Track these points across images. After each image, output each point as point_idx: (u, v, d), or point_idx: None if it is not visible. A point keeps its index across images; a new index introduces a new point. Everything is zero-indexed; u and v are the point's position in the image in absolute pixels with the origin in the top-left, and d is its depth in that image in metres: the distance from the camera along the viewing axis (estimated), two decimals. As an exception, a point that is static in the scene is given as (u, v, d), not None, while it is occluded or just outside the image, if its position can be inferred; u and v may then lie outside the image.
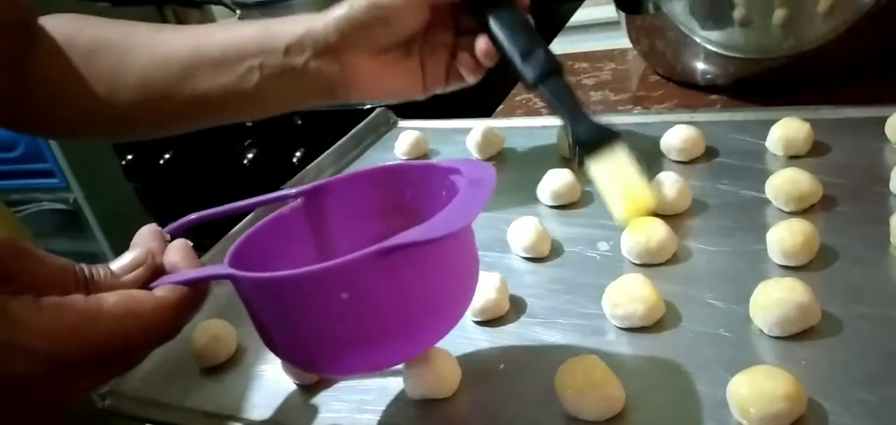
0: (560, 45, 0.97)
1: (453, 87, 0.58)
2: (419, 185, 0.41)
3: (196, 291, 0.34)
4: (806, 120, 0.54)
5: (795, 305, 0.37)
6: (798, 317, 0.37)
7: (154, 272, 0.34)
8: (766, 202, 0.49)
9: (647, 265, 0.45)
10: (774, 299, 0.37)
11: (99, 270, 0.32)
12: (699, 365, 0.37)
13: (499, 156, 0.66)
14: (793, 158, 0.53)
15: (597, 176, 0.44)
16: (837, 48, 0.62)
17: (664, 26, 0.70)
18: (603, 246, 0.49)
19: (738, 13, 0.63)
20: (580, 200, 0.55)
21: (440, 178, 0.39)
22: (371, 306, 0.33)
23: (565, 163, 0.60)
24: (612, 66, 0.85)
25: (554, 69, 0.50)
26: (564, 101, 0.48)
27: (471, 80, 0.56)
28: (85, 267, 0.32)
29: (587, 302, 0.44)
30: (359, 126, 0.76)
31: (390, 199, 0.42)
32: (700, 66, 0.70)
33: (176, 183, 1.29)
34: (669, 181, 0.50)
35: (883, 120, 0.52)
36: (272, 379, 0.44)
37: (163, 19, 1.67)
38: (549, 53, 0.50)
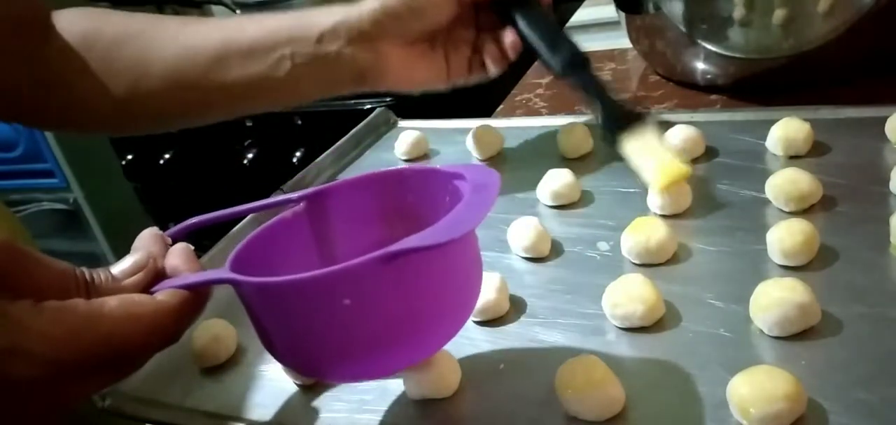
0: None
1: (475, 79, 0.61)
2: (422, 190, 0.41)
3: (197, 296, 0.33)
4: (806, 120, 0.54)
5: (795, 305, 0.37)
6: (798, 317, 0.37)
7: (155, 276, 0.34)
8: (766, 202, 0.49)
9: (647, 265, 0.45)
10: (774, 299, 0.37)
11: (100, 274, 0.32)
12: (699, 365, 0.37)
13: (499, 156, 0.66)
14: (793, 158, 0.53)
15: (630, 153, 0.47)
16: (837, 48, 0.62)
17: (664, 26, 0.70)
18: (603, 246, 0.49)
19: (738, 13, 0.63)
20: (580, 200, 0.55)
21: (444, 183, 0.39)
22: (374, 312, 0.32)
23: (566, 162, 0.60)
24: (612, 66, 0.85)
25: (580, 59, 0.55)
26: (592, 86, 0.52)
27: (494, 71, 0.60)
28: (86, 270, 0.31)
29: (587, 302, 0.44)
30: (358, 126, 0.76)
31: (393, 204, 0.42)
32: (700, 66, 0.70)
33: (176, 183, 1.30)
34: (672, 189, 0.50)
35: (883, 120, 0.52)
36: (272, 379, 0.44)
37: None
38: (574, 44, 0.55)
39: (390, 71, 0.58)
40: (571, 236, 0.51)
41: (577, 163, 0.60)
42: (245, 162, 1.17)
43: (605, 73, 0.84)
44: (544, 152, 0.64)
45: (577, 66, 0.55)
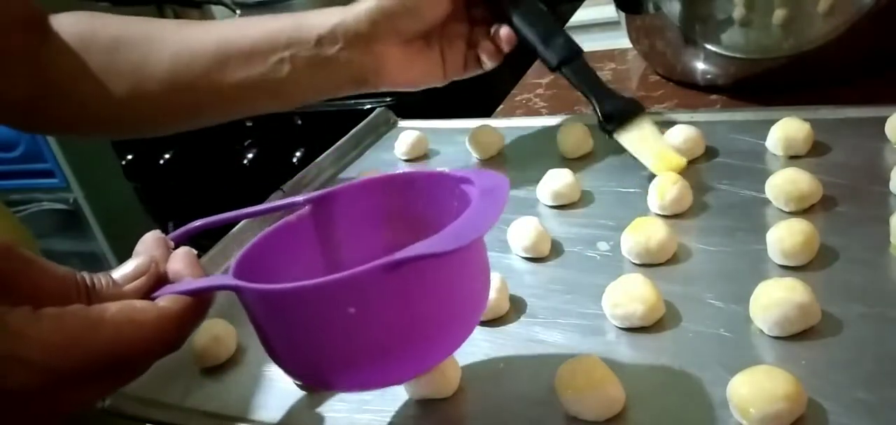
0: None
1: (471, 73, 0.62)
2: (430, 194, 0.40)
3: (200, 301, 0.33)
4: (806, 120, 0.54)
5: (795, 305, 0.37)
6: (798, 317, 0.37)
7: (157, 281, 0.33)
8: (766, 202, 0.49)
9: (647, 265, 0.45)
10: (774, 299, 0.37)
11: (100, 279, 0.31)
12: (699, 365, 0.37)
13: (498, 156, 0.66)
14: (793, 158, 0.53)
15: (627, 144, 0.48)
16: (837, 48, 0.62)
17: (664, 26, 0.70)
18: (603, 246, 0.49)
19: (738, 13, 0.63)
20: (580, 200, 0.55)
21: (451, 188, 0.38)
22: (379, 320, 0.31)
23: (566, 162, 0.60)
24: (612, 66, 0.85)
25: (575, 52, 0.56)
26: (587, 79, 0.53)
27: (489, 65, 0.61)
28: (86, 275, 0.31)
29: (587, 302, 0.44)
30: (358, 126, 0.76)
31: (400, 208, 0.41)
32: (700, 66, 0.70)
33: (176, 183, 1.30)
34: (669, 181, 0.50)
35: (883, 120, 0.52)
36: (273, 380, 0.44)
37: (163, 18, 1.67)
38: (568, 38, 0.57)
39: (388, 71, 0.59)
40: (571, 236, 0.51)
41: (577, 163, 0.60)
42: (245, 162, 1.17)
43: (605, 73, 0.83)
44: (544, 152, 0.64)
45: (572, 60, 0.56)
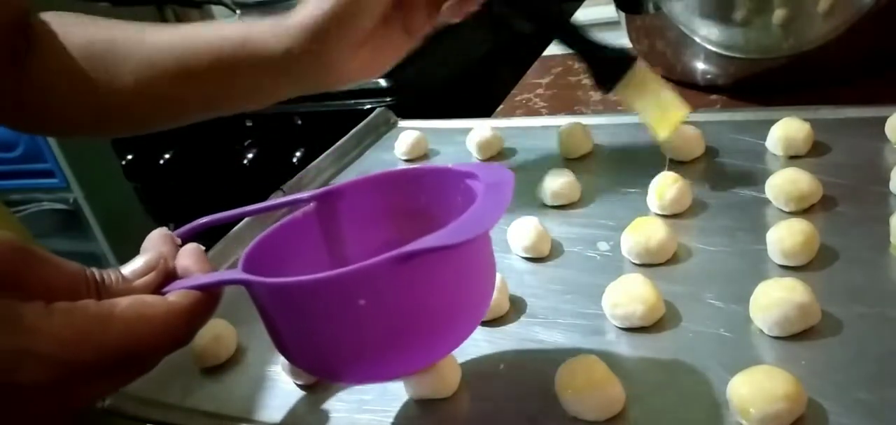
0: (560, 45, 0.97)
1: (438, 25, 0.57)
2: (435, 190, 0.40)
3: (209, 297, 0.33)
4: (806, 120, 0.54)
5: (795, 305, 0.37)
6: (798, 317, 0.37)
7: (166, 277, 0.33)
8: (766, 202, 0.49)
9: (647, 265, 0.45)
10: (774, 299, 0.37)
11: (110, 274, 0.31)
12: (699, 365, 0.37)
13: (499, 157, 0.66)
14: (793, 158, 0.53)
15: (627, 99, 0.47)
16: (837, 48, 0.62)
17: (664, 26, 0.70)
18: (603, 246, 0.49)
19: (738, 13, 0.63)
20: (580, 200, 0.55)
21: (456, 183, 0.39)
22: (389, 312, 0.32)
23: (566, 162, 0.60)
24: (612, 66, 0.85)
25: (559, 15, 0.53)
26: (577, 37, 0.51)
27: (457, 19, 0.56)
28: (96, 271, 0.31)
29: (587, 302, 0.44)
30: (358, 126, 0.76)
31: (404, 204, 0.41)
32: (700, 66, 0.70)
33: (176, 183, 1.29)
34: (669, 181, 0.50)
35: (883, 120, 0.52)
36: (273, 379, 0.44)
37: (163, 19, 1.67)
38: (547, 2, 0.53)
39: (349, 70, 0.54)
40: (571, 236, 0.51)
41: (577, 163, 0.60)
42: (245, 162, 1.17)
43: (605, 73, 0.83)
44: (544, 152, 0.64)
45: (560, 23, 0.53)
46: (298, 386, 0.43)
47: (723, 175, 0.53)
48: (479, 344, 0.43)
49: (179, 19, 1.68)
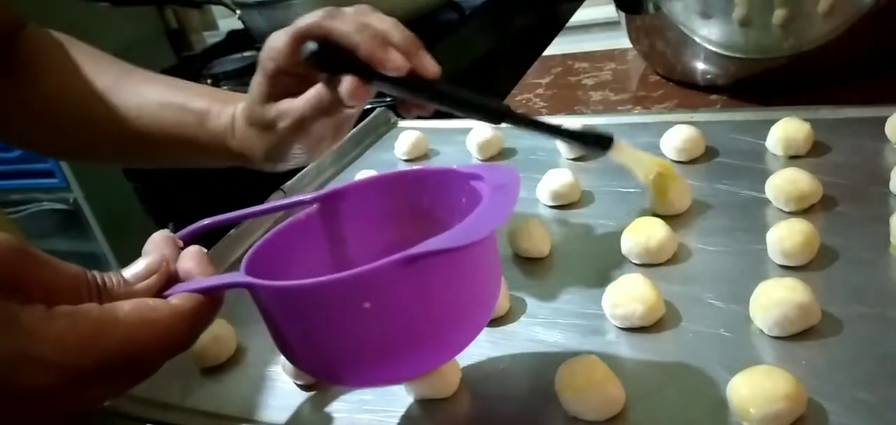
0: (560, 45, 0.97)
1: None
2: (439, 191, 0.40)
3: (211, 300, 0.33)
4: (806, 120, 0.54)
5: (795, 305, 0.37)
6: (798, 317, 0.37)
7: (168, 279, 0.33)
8: (766, 202, 0.49)
9: (647, 265, 0.45)
10: (774, 299, 0.37)
11: (112, 278, 0.31)
12: (699, 365, 0.37)
13: (499, 157, 0.66)
14: (793, 158, 0.53)
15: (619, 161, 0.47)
16: (837, 48, 0.62)
17: (664, 26, 0.70)
18: (603, 245, 0.49)
19: (738, 13, 0.63)
20: (580, 200, 0.55)
21: (460, 184, 0.38)
22: (394, 316, 0.31)
23: (566, 162, 0.60)
24: (612, 66, 0.85)
25: (507, 108, 0.47)
26: (541, 124, 0.47)
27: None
28: (97, 274, 0.31)
29: (587, 302, 0.44)
30: (358, 126, 0.76)
31: (408, 205, 0.41)
32: (700, 66, 0.70)
33: (176, 183, 1.29)
34: (669, 180, 0.50)
35: (883, 120, 0.52)
36: (272, 379, 0.44)
37: (163, 19, 1.67)
38: (496, 100, 0.48)
39: (290, 156, 0.52)
40: (571, 236, 0.51)
41: (577, 164, 0.60)
42: (245, 162, 1.17)
43: (605, 72, 0.84)
44: (544, 152, 0.64)
45: (512, 114, 0.46)
46: (298, 386, 0.43)
47: (723, 175, 0.53)
48: (480, 344, 0.43)
49: (179, 19, 1.68)
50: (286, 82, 0.47)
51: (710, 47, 0.67)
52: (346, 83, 0.43)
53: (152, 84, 0.57)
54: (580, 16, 1.05)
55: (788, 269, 0.42)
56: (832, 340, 0.37)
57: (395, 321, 0.32)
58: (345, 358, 0.33)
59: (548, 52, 0.96)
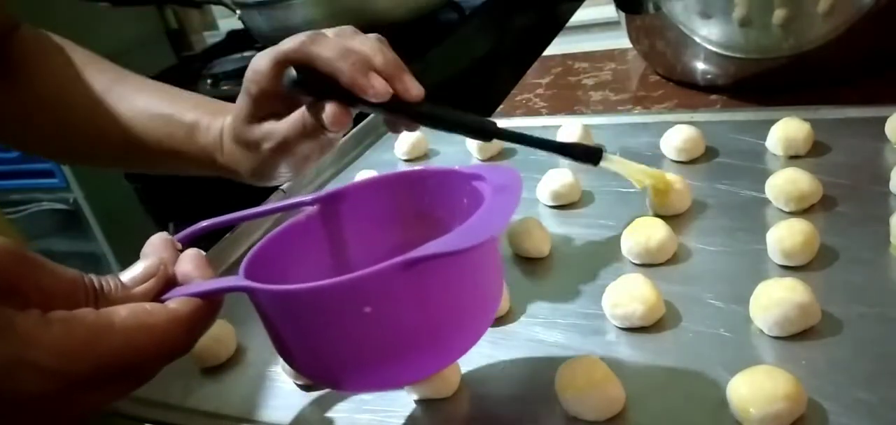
0: (560, 45, 0.97)
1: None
2: (440, 192, 0.40)
3: (210, 303, 0.32)
4: (806, 120, 0.54)
5: (795, 305, 0.37)
6: (798, 317, 0.37)
7: (166, 283, 0.33)
8: (766, 202, 0.49)
9: (647, 265, 0.45)
10: (774, 299, 0.37)
11: (109, 282, 0.31)
12: (699, 365, 0.37)
13: (499, 157, 0.66)
14: (793, 158, 0.53)
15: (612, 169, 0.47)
16: (837, 48, 0.62)
17: (664, 26, 0.70)
18: (603, 245, 0.49)
19: (738, 13, 0.63)
20: (580, 200, 0.55)
21: (462, 185, 0.38)
22: (395, 320, 0.31)
23: (565, 163, 0.60)
24: (612, 66, 0.85)
25: (491, 125, 0.48)
26: (535, 139, 0.48)
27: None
28: (94, 278, 0.30)
29: (587, 302, 0.44)
30: (358, 126, 0.76)
31: (409, 206, 0.41)
32: (700, 66, 0.70)
33: (176, 183, 1.29)
34: (669, 180, 0.50)
35: (883, 120, 0.52)
36: (272, 379, 0.44)
37: (163, 20, 1.67)
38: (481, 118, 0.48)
39: (276, 173, 0.52)
40: (571, 236, 0.51)
41: (576, 164, 0.60)
42: (245, 162, 1.17)
43: (605, 72, 0.84)
44: (544, 152, 0.64)
45: (498, 131, 0.47)
46: (298, 386, 0.43)
47: (723, 175, 0.53)
48: (480, 344, 0.42)
49: (179, 19, 1.68)
50: (270, 104, 0.47)
51: (710, 47, 0.67)
52: (329, 110, 0.43)
53: (145, 92, 0.56)
54: (580, 16, 1.05)
55: (788, 269, 0.42)
56: (832, 340, 0.37)
57: (396, 325, 0.31)
58: (345, 362, 0.33)
59: (548, 52, 0.96)
